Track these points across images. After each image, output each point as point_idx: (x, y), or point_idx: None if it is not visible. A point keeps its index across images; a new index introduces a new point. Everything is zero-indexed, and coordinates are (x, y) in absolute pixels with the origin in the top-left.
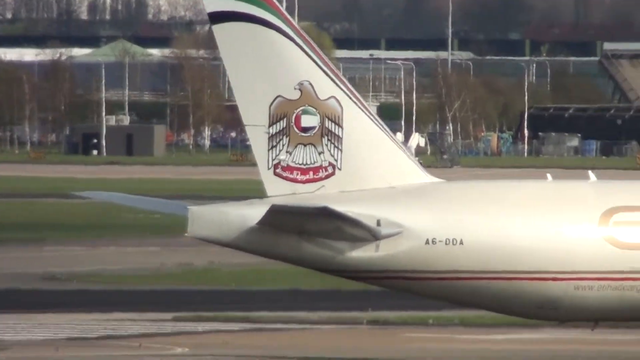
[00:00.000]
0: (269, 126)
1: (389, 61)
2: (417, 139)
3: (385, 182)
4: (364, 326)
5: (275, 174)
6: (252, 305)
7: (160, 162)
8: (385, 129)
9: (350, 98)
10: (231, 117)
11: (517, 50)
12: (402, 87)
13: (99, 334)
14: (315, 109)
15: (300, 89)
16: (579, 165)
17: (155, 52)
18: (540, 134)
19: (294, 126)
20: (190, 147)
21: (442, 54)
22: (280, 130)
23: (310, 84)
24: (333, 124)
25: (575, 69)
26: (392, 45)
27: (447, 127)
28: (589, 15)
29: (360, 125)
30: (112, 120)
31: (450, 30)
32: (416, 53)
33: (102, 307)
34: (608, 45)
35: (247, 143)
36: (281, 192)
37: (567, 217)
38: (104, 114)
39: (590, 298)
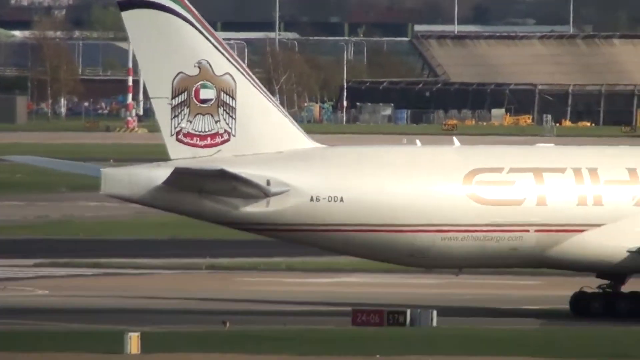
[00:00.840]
0: (172, 98)
1: (224, 41)
2: None
3: (274, 147)
4: (203, 271)
5: (178, 140)
6: (103, 253)
7: (22, 129)
8: (273, 101)
9: (243, 74)
10: (85, 89)
11: (337, 31)
12: None
13: None
14: (212, 83)
15: (199, 67)
16: (392, 131)
17: (18, 34)
18: (357, 104)
19: (194, 98)
20: (49, 115)
21: (271, 35)
22: (181, 102)
23: (208, 62)
24: (228, 97)
25: (389, 48)
26: (227, 27)
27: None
28: (401, 1)
29: (251, 97)
30: None
31: (277, 14)
32: (248, 34)
33: None
34: (418, 27)
35: (100, 112)
36: (183, 155)
37: (434, 178)
38: None
39: (455, 248)
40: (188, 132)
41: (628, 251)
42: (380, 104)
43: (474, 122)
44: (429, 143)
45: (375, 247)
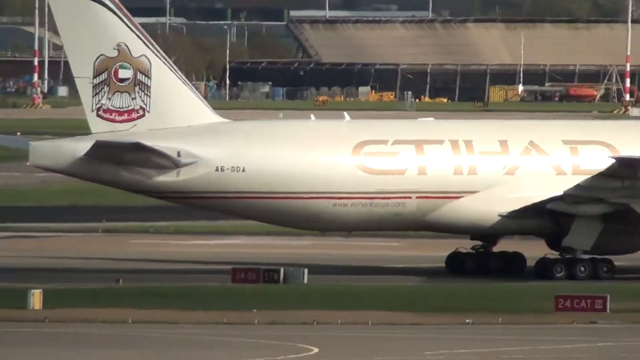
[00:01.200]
0: (93, 78)
1: None
2: None
3: (184, 121)
4: (99, 234)
5: (98, 115)
6: (10, 218)
7: None
8: (185, 80)
9: (157, 56)
10: None
11: (221, 16)
12: None
13: None
14: (130, 64)
15: (118, 49)
16: (269, 107)
17: None
18: (239, 82)
19: (113, 78)
20: None
21: (162, 20)
22: (102, 81)
23: (126, 45)
24: (144, 76)
25: (267, 31)
26: None
27: None
28: None
29: (165, 77)
30: None
31: (168, 1)
32: (140, 19)
33: None
34: (293, 13)
35: (8, 90)
36: (103, 130)
37: (327, 149)
38: None
39: (345, 213)
40: (107, 109)
41: (499, 215)
42: (260, 82)
43: (342, 98)
44: (304, 117)
45: (274, 213)
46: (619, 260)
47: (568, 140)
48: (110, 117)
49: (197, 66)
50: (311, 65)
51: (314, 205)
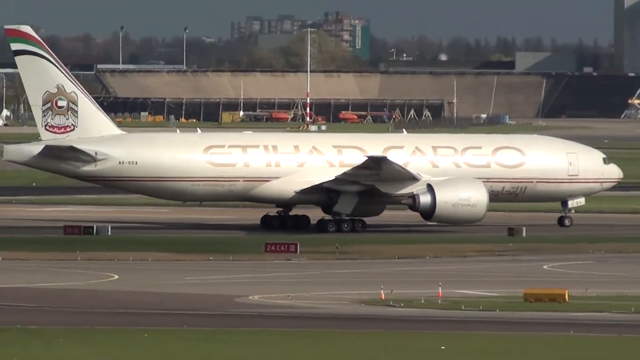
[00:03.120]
0: (42, 105)
1: None
2: None
3: (99, 132)
4: None
5: (46, 129)
6: None
7: None
8: (97, 107)
9: (81, 91)
10: None
11: None
12: None
13: None
14: (65, 97)
15: (57, 87)
16: None
17: None
18: None
19: (54, 106)
20: None
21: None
22: (47, 108)
23: (62, 84)
24: (73, 105)
25: (83, 77)
26: None
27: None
28: (92, 48)
29: (85, 105)
30: None
31: None
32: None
33: None
34: (100, 66)
35: None
36: (49, 138)
37: (189, 150)
38: None
39: (199, 190)
40: (51, 125)
41: (294, 192)
42: None
43: (130, 120)
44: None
45: (154, 190)
46: (370, 221)
47: (336, 145)
48: (53, 130)
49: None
50: (110, 99)
51: (178, 185)
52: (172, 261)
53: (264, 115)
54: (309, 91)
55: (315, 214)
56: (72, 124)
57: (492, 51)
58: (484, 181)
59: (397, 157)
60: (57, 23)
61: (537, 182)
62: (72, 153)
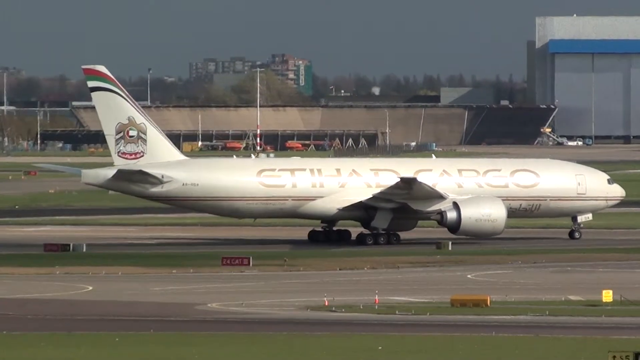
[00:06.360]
0: (116, 134)
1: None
2: None
3: (165, 158)
4: None
5: (119, 156)
6: None
7: None
8: (163, 134)
9: (149, 121)
10: None
11: (34, 105)
12: None
13: None
14: (135, 127)
15: (128, 119)
16: (68, 155)
17: None
18: (45, 141)
19: (126, 135)
20: None
21: (2, 107)
22: (120, 137)
23: (133, 117)
24: (143, 134)
25: (59, 113)
26: None
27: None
28: (67, 87)
29: (153, 134)
30: None
31: (5, 96)
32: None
33: None
34: (75, 103)
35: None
36: (121, 163)
37: (242, 173)
38: None
39: (254, 207)
40: (123, 152)
41: (337, 209)
42: (56, 141)
43: (102, 150)
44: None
45: (213, 209)
46: (404, 234)
47: (373, 169)
48: (124, 157)
49: (22, 133)
50: (84, 132)
51: (235, 204)
52: (139, 274)
53: (219, 145)
54: (259, 123)
55: (355, 229)
56: (141, 151)
57: (420, 87)
58: (503, 199)
59: (426, 178)
60: (36, 65)
61: (550, 200)
62: (141, 176)
